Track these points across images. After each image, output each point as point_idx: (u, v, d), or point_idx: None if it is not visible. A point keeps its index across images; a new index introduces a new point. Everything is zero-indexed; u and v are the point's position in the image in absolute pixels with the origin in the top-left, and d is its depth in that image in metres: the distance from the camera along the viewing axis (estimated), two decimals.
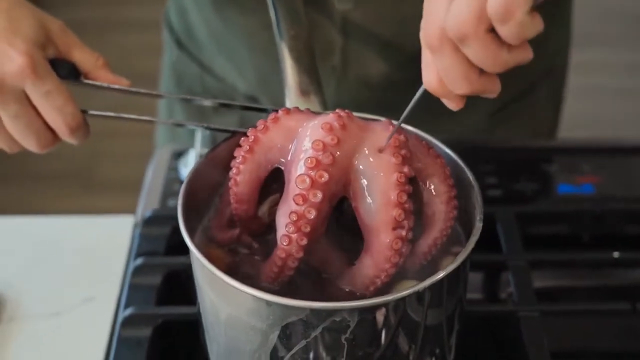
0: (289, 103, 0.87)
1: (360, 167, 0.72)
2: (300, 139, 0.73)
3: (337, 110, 0.74)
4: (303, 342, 0.70)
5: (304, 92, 0.87)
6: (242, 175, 0.75)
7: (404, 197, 0.71)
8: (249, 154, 0.75)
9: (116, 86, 0.85)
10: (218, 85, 1.18)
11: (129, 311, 0.89)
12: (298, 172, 0.71)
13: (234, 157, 0.76)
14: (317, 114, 0.77)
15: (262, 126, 0.75)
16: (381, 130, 0.74)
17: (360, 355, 0.71)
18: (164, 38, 1.24)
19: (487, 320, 0.91)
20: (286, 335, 0.70)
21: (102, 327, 0.93)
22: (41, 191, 2.63)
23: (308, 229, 0.70)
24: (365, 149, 0.72)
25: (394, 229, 0.71)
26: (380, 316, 0.70)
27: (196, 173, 0.79)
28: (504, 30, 0.61)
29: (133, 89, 0.86)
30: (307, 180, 0.70)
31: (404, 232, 0.71)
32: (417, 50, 1.04)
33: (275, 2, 0.90)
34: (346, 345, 0.70)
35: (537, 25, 0.61)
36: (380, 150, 0.72)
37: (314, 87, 0.88)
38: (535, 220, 1.02)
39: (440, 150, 0.81)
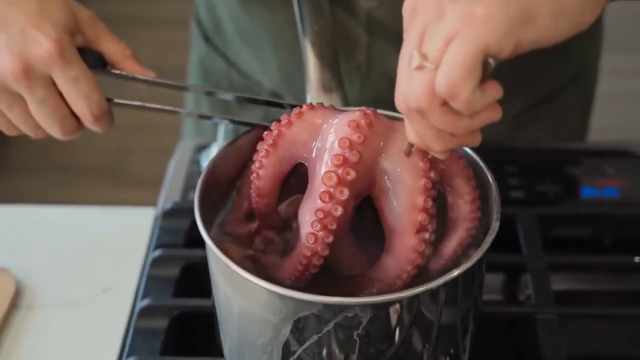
0: (310, 99, 0.87)
1: (387, 167, 0.72)
2: (325, 136, 0.73)
3: (362, 108, 0.73)
4: (315, 337, 0.70)
5: (325, 88, 0.87)
6: (264, 170, 0.75)
7: (430, 202, 0.71)
8: (272, 148, 0.75)
9: (141, 77, 0.85)
10: (243, 81, 1.18)
11: (145, 302, 0.90)
12: (324, 169, 0.71)
13: (257, 151, 0.76)
14: (341, 110, 0.76)
15: (286, 121, 0.75)
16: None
17: (372, 352, 0.71)
18: (192, 33, 1.25)
19: (504, 322, 0.90)
20: (298, 329, 0.70)
21: (120, 317, 0.93)
22: (73, 183, 2.65)
23: (334, 226, 0.70)
24: (392, 149, 0.72)
25: (418, 232, 0.71)
26: (393, 313, 0.70)
27: (214, 166, 0.79)
28: (454, 106, 0.61)
29: (158, 80, 0.86)
30: (334, 177, 0.70)
31: (427, 235, 0.71)
32: None
33: None
34: (358, 342, 0.70)
35: (490, 96, 0.62)
36: (408, 154, 0.72)
37: (335, 83, 0.88)
38: (556, 222, 1.01)
39: (460, 149, 0.80)
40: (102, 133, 0.85)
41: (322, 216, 0.70)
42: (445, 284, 0.70)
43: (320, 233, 0.70)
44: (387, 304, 0.69)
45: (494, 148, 1.09)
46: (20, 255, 1.01)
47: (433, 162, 0.72)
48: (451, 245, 0.75)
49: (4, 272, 0.97)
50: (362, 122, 0.71)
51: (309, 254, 0.71)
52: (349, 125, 0.71)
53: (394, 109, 0.85)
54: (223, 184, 0.82)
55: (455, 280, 0.70)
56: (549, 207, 1.01)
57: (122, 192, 2.57)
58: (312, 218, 0.70)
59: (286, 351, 0.72)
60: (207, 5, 1.19)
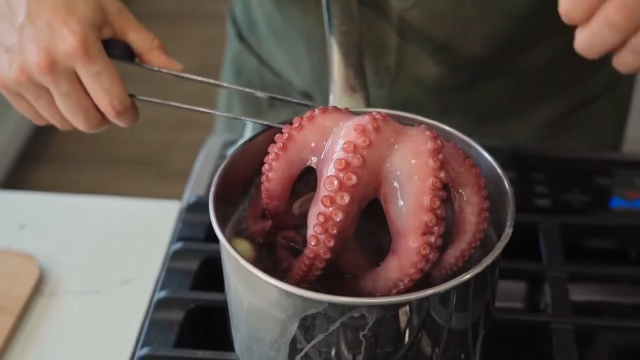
0: (333, 98, 0.87)
1: (394, 169, 0.71)
2: (333, 140, 0.73)
3: (373, 112, 0.73)
4: (321, 336, 0.70)
5: (349, 88, 0.87)
6: (274, 172, 0.75)
7: (437, 203, 0.69)
8: (282, 151, 0.75)
9: (165, 70, 0.86)
10: (275, 80, 1.18)
11: (162, 294, 0.90)
12: (327, 174, 0.70)
13: (268, 153, 0.76)
14: (354, 113, 0.76)
15: (297, 124, 0.75)
16: (417, 134, 0.73)
17: (378, 353, 0.71)
18: (227, 31, 1.26)
19: (522, 330, 0.89)
20: (305, 327, 0.70)
21: (139, 308, 0.94)
22: (116, 176, 2.69)
23: (335, 231, 0.70)
24: (401, 152, 0.71)
25: (424, 234, 0.70)
26: (400, 315, 0.70)
27: (231, 163, 0.80)
28: None
29: (184, 75, 0.86)
30: (335, 182, 0.69)
31: (433, 239, 0.70)
32: (474, 53, 1.04)
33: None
34: (364, 342, 0.70)
35: None
36: (417, 154, 0.71)
37: (359, 83, 0.88)
38: (581, 232, 1.00)
39: (478, 154, 0.80)
40: (127, 127, 0.87)
41: (323, 220, 0.69)
42: (455, 288, 0.70)
43: (322, 236, 0.70)
44: (394, 306, 0.69)
45: (523, 155, 1.08)
46: (47, 243, 1.03)
47: (444, 163, 0.71)
48: (453, 254, 0.74)
49: (29, 259, 0.99)
50: (369, 126, 0.71)
51: (311, 255, 0.71)
52: (355, 130, 0.71)
53: (423, 112, 0.85)
54: (242, 180, 0.82)
55: (464, 284, 0.70)
56: (573, 217, 1.00)
57: (164, 186, 2.60)
58: (314, 221, 0.70)
59: (293, 348, 0.72)
60: (242, 4, 1.20)
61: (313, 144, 0.74)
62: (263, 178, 0.76)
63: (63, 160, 2.77)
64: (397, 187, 0.71)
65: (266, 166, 0.76)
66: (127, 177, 2.69)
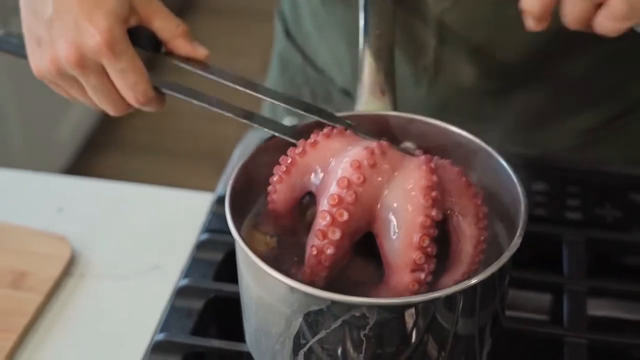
0: (360, 101, 0.88)
1: (387, 205, 0.72)
2: (330, 171, 0.74)
3: (375, 144, 0.74)
4: (324, 332, 0.72)
5: (378, 91, 0.88)
6: (277, 194, 0.77)
7: (427, 241, 0.71)
8: (285, 174, 0.76)
9: (188, 66, 0.86)
10: (317, 76, 1.20)
11: (184, 282, 0.92)
12: (322, 208, 0.72)
13: (273, 174, 0.78)
14: (360, 138, 0.77)
15: (301, 149, 0.76)
16: (414, 167, 0.73)
17: (380, 353, 0.72)
18: (275, 28, 1.28)
19: (533, 342, 0.89)
20: (309, 323, 0.71)
21: (163, 295, 0.96)
22: (180, 167, 2.73)
23: (327, 263, 0.72)
24: (397, 186, 0.72)
25: (413, 271, 0.71)
26: (400, 317, 0.70)
27: (253, 158, 0.81)
28: None
29: (209, 75, 0.86)
30: (328, 217, 0.71)
31: (422, 275, 0.71)
32: (510, 59, 1.03)
33: (367, 1, 0.91)
34: (365, 342, 0.71)
35: None
36: (411, 190, 0.72)
37: (388, 87, 0.89)
38: (608, 248, 0.99)
39: (499, 164, 0.80)
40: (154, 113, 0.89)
41: (315, 252, 0.71)
42: (460, 293, 0.70)
43: (315, 268, 0.72)
44: (395, 308, 0.70)
45: (558, 167, 1.07)
46: (81, 226, 1.06)
47: (437, 201, 0.72)
48: (446, 283, 0.74)
49: (62, 240, 1.02)
50: (365, 162, 0.72)
51: (307, 279, 0.73)
52: (351, 165, 0.72)
53: (460, 118, 0.85)
54: (264, 176, 0.83)
55: (470, 290, 0.71)
56: (600, 231, 0.99)
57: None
58: (308, 252, 0.72)
59: (297, 343, 0.73)
60: (290, 1, 1.21)
61: (314, 171, 0.76)
62: (268, 198, 0.78)
63: (128, 150, 2.82)
64: (390, 222, 0.72)
65: (270, 188, 0.77)
66: (189, 168, 2.73)
